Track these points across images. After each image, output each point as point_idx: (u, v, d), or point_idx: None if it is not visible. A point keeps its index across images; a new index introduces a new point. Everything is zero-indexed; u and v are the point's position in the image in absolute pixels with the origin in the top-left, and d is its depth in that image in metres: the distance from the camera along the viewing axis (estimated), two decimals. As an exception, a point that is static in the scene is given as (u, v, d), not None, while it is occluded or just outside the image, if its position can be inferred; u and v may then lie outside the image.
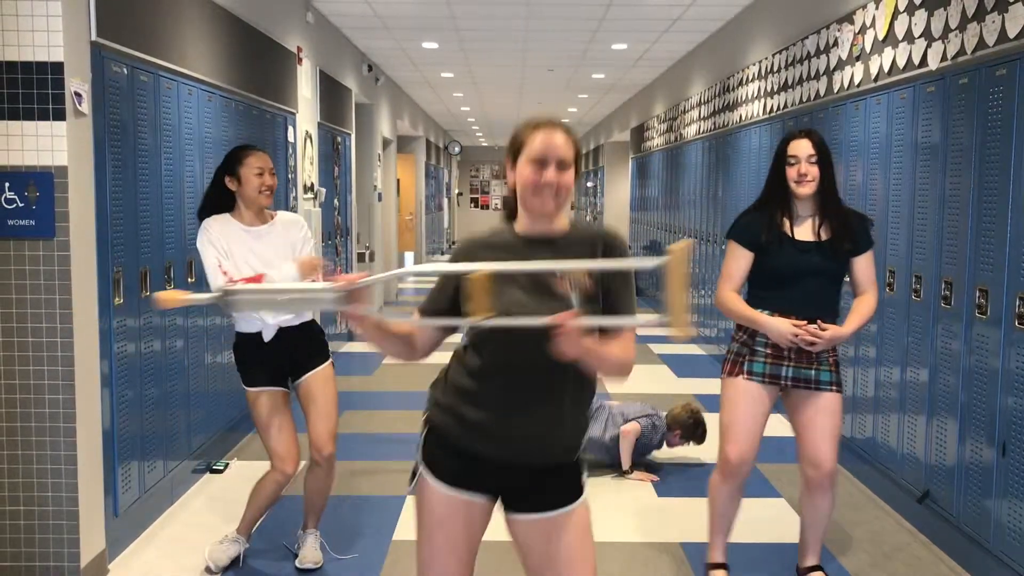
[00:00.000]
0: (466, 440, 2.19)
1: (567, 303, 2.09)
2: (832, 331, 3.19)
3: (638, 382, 7.44)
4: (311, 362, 3.66)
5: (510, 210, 2.27)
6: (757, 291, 3.33)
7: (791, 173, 3.24)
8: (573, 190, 2.22)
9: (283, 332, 3.58)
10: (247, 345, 3.61)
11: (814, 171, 3.22)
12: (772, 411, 3.37)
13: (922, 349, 4.18)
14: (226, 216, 3.58)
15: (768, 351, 3.28)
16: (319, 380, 3.65)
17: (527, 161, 2.16)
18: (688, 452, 5.35)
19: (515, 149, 2.20)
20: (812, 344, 3.19)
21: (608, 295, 2.15)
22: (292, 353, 3.62)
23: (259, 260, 3.52)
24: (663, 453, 5.32)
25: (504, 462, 2.19)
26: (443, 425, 2.23)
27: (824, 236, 3.26)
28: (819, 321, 3.20)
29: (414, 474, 2.31)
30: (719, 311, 3.43)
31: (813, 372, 3.27)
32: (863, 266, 3.31)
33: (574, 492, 2.25)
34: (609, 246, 2.19)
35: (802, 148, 3.23)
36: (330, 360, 3.73)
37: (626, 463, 4.97)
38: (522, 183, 2.15)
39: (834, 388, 3.29)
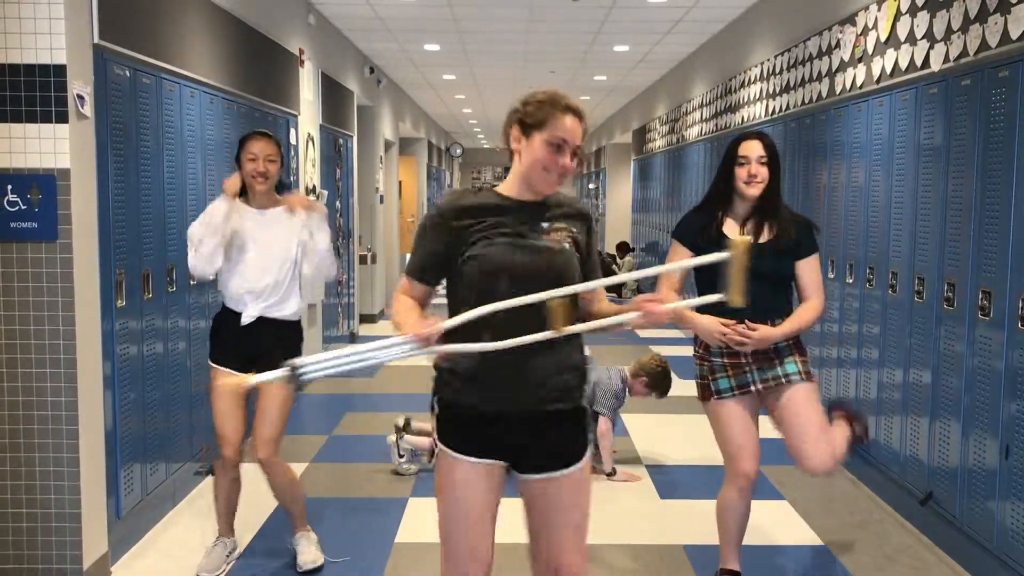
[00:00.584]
0: (468, 398, 2.28)
1: (563, 252, 2.28)
2: (762, 331, 3.15)
3: (640, 384, 7.42)
4: (274, 363, 3.63)
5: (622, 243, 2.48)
6: (701, 292, 3.32)
7: (741, 173, 3.23)
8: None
9: (261, 323, 3.59)
10: (226, 321, 3.64)
11: (764, 172, 3.22)
12: (758, 416, 3.35)
13: (925, 351, 4.18)
14: (235, 200, 3.60)
15: (726, 361, 3.25)
16: (270, 387, 3.64)
17: (545, 141, 2.25)
18: (691, 453, 5.35)
19: (534, 121, 2.26)
20: (741, 344, 3.16)
21: (585, 253, 2.37)
22: (264, 347, 3.59)
23: (259, 244, 3.56)
24: (671, 455, 5.32)
25: (506, 413, 2.27)
26: (447, 394, 2.32)
27: (763, 238, 3.24)
28: (747, 321, 3.16)
29: (432, 453, 2.39)
30: None
31: (779, 369, 3.24)
32: (806, 271, 3.28)
33: (577, 451, 2.35)
34: (588, 220, 2.41)
35: (753, 149, 3.23)
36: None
37: (608, 465, 4.96)
38: (533, 159, 2.26)
39: (804, 376, 3.25)
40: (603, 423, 4.95)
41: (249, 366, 3.62)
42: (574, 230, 2.35)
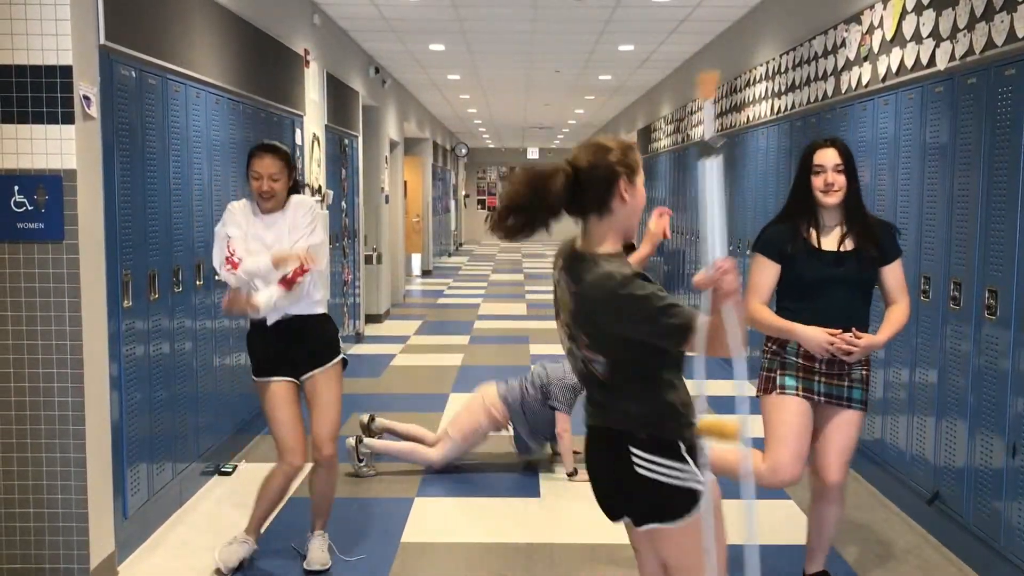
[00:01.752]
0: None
1: (585, 351, 2.25)
2: (867, 340, 3.16)
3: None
4: (318, 360, 3.67)
5: (627, 243, 2.36)
6: (785, 303, 3.29)
7: (817, 183, 3.21)
8: None
9: (292, 322, 3.60)
10: (256, 332, 3.65)
11: (841, 180, 3.19)
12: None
13: (931, 350, 4.17)
14: (245, 201, 3.66)
15: (799, 362, 3.23)
16: (323, 379, 3.66)
17: (641, 182, 2.29)
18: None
19: (631, 167, 2.28)
20: (848, 353, 3.15)
21: (632, 338, 2.17)
22: (301, 346, 3.62)
23: (262, 245, 3.57)
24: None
25: None
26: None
27: (851, 246, 3.23)
28: (854, 330, 3.16)
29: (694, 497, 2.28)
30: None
31: (845, 390, 3.24)
32: (893, 275, 3.27)
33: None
34: (612, 301, 2.18)
35: (828, 157, 3.20)
36: (339, 358, 3.73)
37: (568, 465, 4.95)
38: (640, 204, 2.29)
39: (862, 407, 3.26)
40: (561, 420, 4.91)
41: (294, 369, 3.64)
42: (586, 339, 2.25)
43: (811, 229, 3.26)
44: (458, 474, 5.04)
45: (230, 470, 5.01)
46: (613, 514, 2.36)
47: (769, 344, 3.32)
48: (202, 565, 3.79)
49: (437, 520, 4.37)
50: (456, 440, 4.96)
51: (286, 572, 3.75)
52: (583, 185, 2.22)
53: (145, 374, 4.04)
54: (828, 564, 3.65)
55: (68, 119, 3.36)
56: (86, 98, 3.44)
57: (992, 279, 3.65)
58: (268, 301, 3.48)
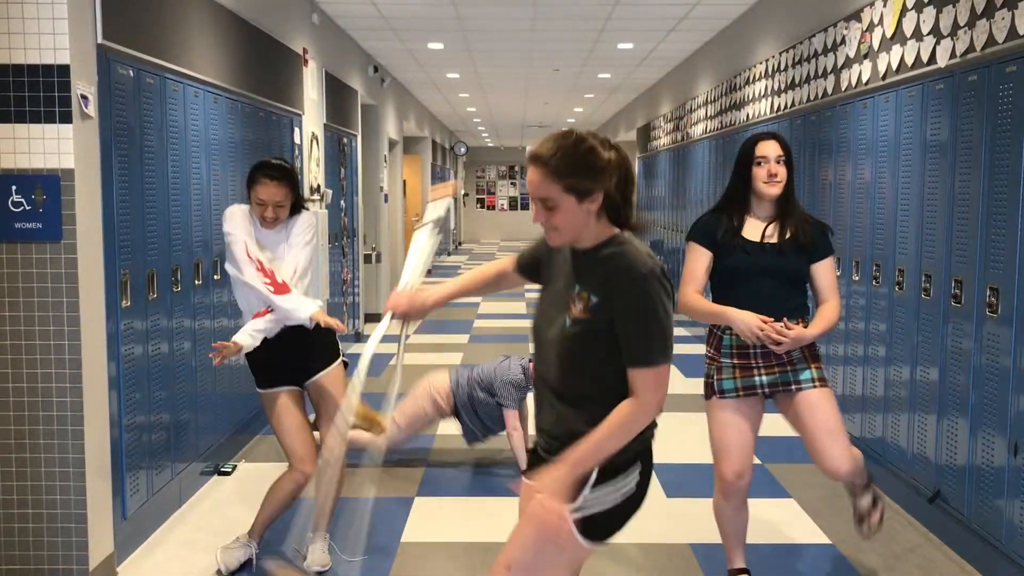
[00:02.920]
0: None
1: (563, 323, 2.15)
2: (797, 331, 3.15)
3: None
4: (320, 363, 3.67)
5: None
6: (718, 293, 3.32)
7: (760, 173, 3.23)
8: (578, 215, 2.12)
9: (291, 331, 3.59)
10: (259, 347, 3.61)
11: (783, 171, 3.23)
12: (761, 419, 3.33)
13: (932, 348, 4.16)
14: (246, 208, 3.63)
15: (734, 362, 3.24)
16: (328, 382, 3.66)
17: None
18: (697, 452, 5.33)
19: None
20: (777, 343, 3.14)
21: (616, 335, 2.10)
22: (302, 352, 3.62)
23: (263, 257, 3.57)
24: (678, 453, 5.31)
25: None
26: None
27: (777, 238, 3.25)
28: (784, 320, 3.16)
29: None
30: (679, 309, 3.38)
31: (789, 374, 3.23)
32: (823, 273, 3.28)
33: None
34: (624, 285, 2.08)
35: (771, 149, 3.23)
36: (340, 360, 3.74)
37: (523, 462, 4.89)
38: None
39: (817, 384, 3.23)
40: (510, 417, 4.88)
41: (296, 376, 3.63)
42: (591, 301, 2.10)
43: (743, 219, 3.28)
44: (458, 474, 5.03)
45: (230, 470, 5.00)
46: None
47: (708, 350, 3.34)
48: (202, 565, 3.78)
49: (437, 520, 4.36)
50: (400, 426, 4.98)
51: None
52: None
53: (144, 374, 4.03)
54: (830, 563, 3.65)
55: (66, 118, 3.35)
56: (84, 97, 3.43)
57: (993, 277, 3.64)
58: (248, 333, 3.47)
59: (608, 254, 2.13)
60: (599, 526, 2.18)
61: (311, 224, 3.68)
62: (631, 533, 3.89)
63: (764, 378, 3.22)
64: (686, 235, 3.40)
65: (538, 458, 2.30)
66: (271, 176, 3.53)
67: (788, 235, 3.25)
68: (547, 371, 2.23)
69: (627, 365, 2.09)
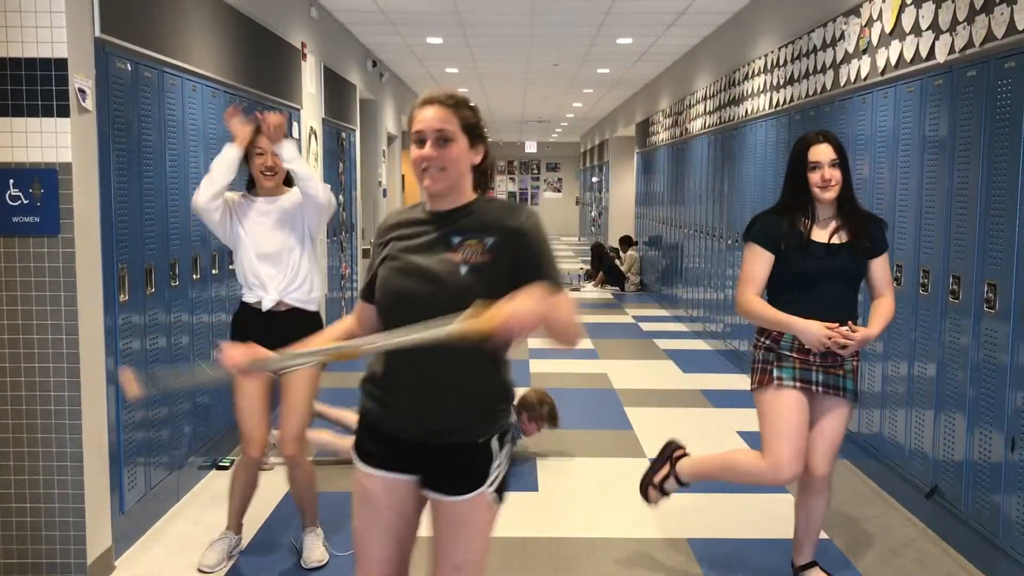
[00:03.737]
0: (379, 420, 2.22)
1: (457, 272, 2.10)
2: (862, 332, 3.16)
3: (644, 378, 7.43)
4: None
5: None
6: (780, 296, 3.27)
7: (814, 178, 3.20)
8: (462, 163, 2.16)
9: (282, 316, 3.59)
10: (247, 317, 3.64)
11: (837, 175, 3.20)
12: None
13: (930, 344, 4.16)
14: (237, 194, 3.66)
15: (795, 355, 3.23)
16: (298, 378, 3.63)
17: (412, 140, 2.18)
18: (695, 447, 5.33)
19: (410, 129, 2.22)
20: (844, 347, 3.15)
21: (518, 270, 2.10)
22: (286, 341, 3.59)
23: (267, 223, 3.60)
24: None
25: (409, 437, 2.19)
26: (365, 410, 2.26)
27: (844, 238, 3.23)
28: (849, 323, 3.17)
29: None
30: (738, 311, 3.37)
31: (840, 379, 3.24)
32: (880, 268, 3.28)
33: (473, 481, 2.20)
34: (516, 233, 2.12)
35: (823, 153, 3.20)
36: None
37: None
38: (412, 163, 2.19)
39: (853, 398, 3.28)
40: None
41: None
42: (487, 243, 2.12)
43: (807, 222, 3.26)
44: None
45: (227, 464, 5.00)
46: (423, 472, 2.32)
47: (762, 339, 3.31)
48: (199, 560, 3.78)
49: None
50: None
51: (283, 567, 3.74)
52: None
53: (142, 368, 4.03)
54: (826, 558, 3.65)
55: (63, 112, 3.35)
56: (81, 91, 3.42)
57: (991, 272, 3.64)
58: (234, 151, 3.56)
59: (484, 204, 2.19)
60: (504, 487, 2.28)
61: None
62: (628, 527, 3.89)
63: (820, 375, 3.22)
64: (743, 234, 3.37)
65: (400, 444, 2.21)
66: (260, 114, 3.63)
67: (851, 236, 3.23)
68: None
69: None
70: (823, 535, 4.11)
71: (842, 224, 3.25)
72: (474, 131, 2.18)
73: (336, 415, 5.24)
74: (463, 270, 2.10)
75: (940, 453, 4.07)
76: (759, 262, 3.26)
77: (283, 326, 3.58)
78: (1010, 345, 3.49)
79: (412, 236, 2.20)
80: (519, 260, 2.12)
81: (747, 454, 3.38)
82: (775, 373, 3.24)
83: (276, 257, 3.59)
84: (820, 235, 3.25)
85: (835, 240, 3.24)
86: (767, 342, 3.29)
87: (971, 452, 3.79)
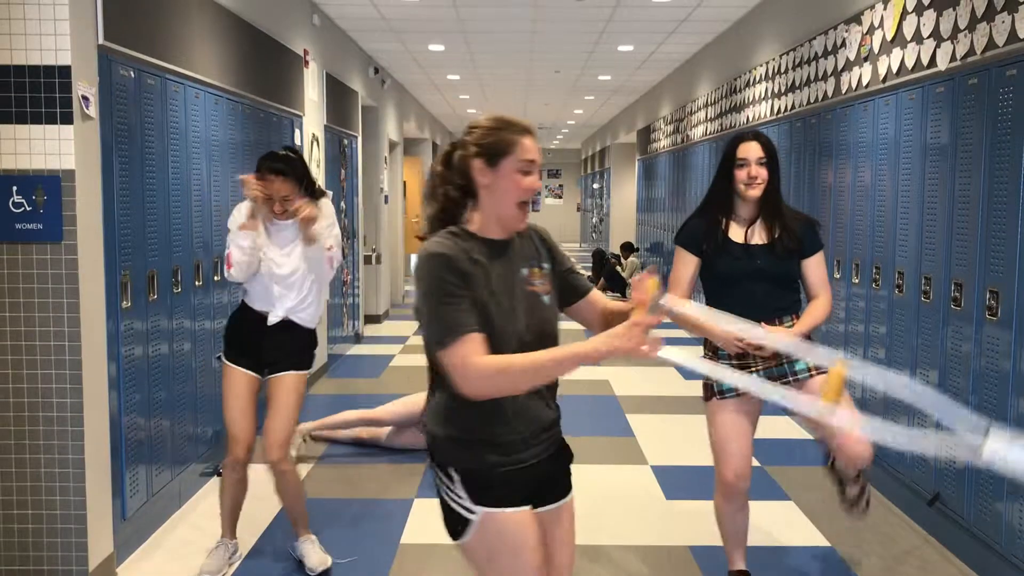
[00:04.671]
0: (508, 460, 2.14)
1: (545, 304, 2.16)
2: (779, 333, 3.13)
3: (646, 385, 7.43)
4: (289, 363, 3.66)
5: (449, 214, 2.15)
6: (709, 297, 3.31)
7: (741, 175, 3.21)
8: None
9: (282, 326, 3.62)
10: (247, 320, 3.64)
11: (763, 173, 3.20)
12: (758, 417, 3.33)
13: (932, 351, 4.16)
14: (270, 219, 3.64)
15: (733, 363, 3.23)
16: (284, 385, 3.64)
17: (517, 168, 2.08)
18: (697, 454, 5.33)
19: (497, 150, 2.08)
20: (759, 348, 3.14)
21: (561, 277, 2.24)
22: (279, 348, 3.64)
23: (271, 256, 3.60)
24: (677, 455, 5.31)
25: (538, 458, 2.20)
26: (490, 464, 2.13)
27: (764, 239, 3.24)
28: (763, 324, 3.14)
29: (463, 522, 2.17)
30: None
31: (786, 366, 3.22)
32: (813, 268, 3.27)
33: (569, 478, 2.35)
34: (547, 239, 2.27)
35: (752, 150, 3.21)
36: (305, 372, 3.73)
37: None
38: (510, 189, 2.08)
39: (813, 372, 3.22)
40: None
41: (263, 367, 3.66)
42: (544, 266, 2.21)
43: (728, 222, 3.27)
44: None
45: (229, 471, 4.99)
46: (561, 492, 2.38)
47: (705, 352, 3.33)
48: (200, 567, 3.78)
49: (437, 521, 4.35)
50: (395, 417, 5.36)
51: (285, 574, 3.74)
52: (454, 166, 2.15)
53: (144, 375, 4.03)
54: (828, 566, 3.64)
55: (67, 119, 3.35)
56: (85, 98, 3.43)
57: (993, 280, 3.64)
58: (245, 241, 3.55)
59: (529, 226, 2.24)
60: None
61: (326, 212, 3.69)
62: (630, 535, 3.89)
63: (761, 373, 3.22)
64: (674, 238, 3.40)
65: (534, 475, 2.20)
66: (275, 170, 3.54)
67: (776, 235, 3.23)
68: None
69: (587, 292, 2.29)
70: (825, 543, 4.10)
71: (763, 224, 3.25)
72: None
73: (332, 422, 5.34)
74: (546, 300, 2.18)
75: (942, 460, 4.06)
76: (683, 265, 3.29)
77: (282, 337, 3.63)
78: (1012, 352, 3.49)
79: (493, 272, 2.09)
80: (558, 265, 2.25)
81: (714, 500, 3.42)
82: (715, 387, 3.27)
83: (289, 279, 3.63)
84: (738, 235, 3.25)
85: (754, 240, 3.23)
86: (708, 353, 3.32)
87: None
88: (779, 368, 3.23)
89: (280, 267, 3.62)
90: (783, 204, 3.30)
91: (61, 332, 3.42)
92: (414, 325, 10.63)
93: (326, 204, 3.72)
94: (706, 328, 3.18)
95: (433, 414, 2.18)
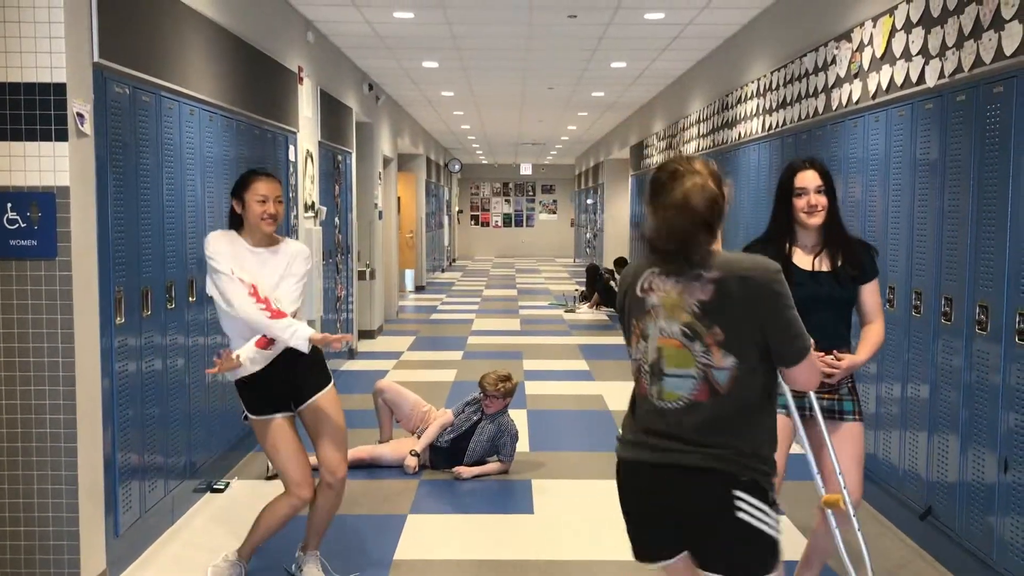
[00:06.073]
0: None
1: (709, 354, 2.16)
2: (848, 360, 3.19)
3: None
4: (314, 386, 3.62)
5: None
6: None
7: (800, 204, 3.22)
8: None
9: (282, 355, 3.53)
10: (246, 379, 3.58)
11: (823, 201, 3.22)
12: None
13: (923, 365, 4.18)
14: (232, 233, 3.55)
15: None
16: (325, 404, 3.63)
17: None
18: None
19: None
20: (830, 375, 3.17)
21: (765, 339, 2.20)
22: (293, 378, 3.58)
23: (262, 284, 3.47)
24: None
25: None
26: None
27: (829, 266, 3.25)
28: (834, 352, 3.19)
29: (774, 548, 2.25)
30: None
31: (836, 403, 3.25)
32: (870, 294, 3.29)
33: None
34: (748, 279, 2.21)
35: (809, 179, 3.22)
36: (332, 383, 3.71)
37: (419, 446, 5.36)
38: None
39: (856, 417, 3.27)
40: (498, 467, 5.34)
41: (289, 401, 3.60)
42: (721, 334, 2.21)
43: (793, 249, 3.28)
44: (451, 491, 5.03)
45: (222, 487, 4.99)
46: (702, 564, 2.25)
47: None
48: (194, 583, 3.77)
49: (430, 537, 4.36)
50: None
51: (279, 590, 3.74)
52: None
53: (137, 391, 4.03)
54: (821, 580, 3.64)
55: (62, 136, 3.37)
56: (80, 115, 3.45)
57: (983, 294, 3.67)
58: (248, 356, 3.41)
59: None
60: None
61: (305, 257, 3.62)
62: (625, 550, 3.89)
63: (813, 400, 3.18)
64: None
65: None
66: (265, 173, 3.58)
67: (840, 262, 3.24)
68: None
69: None
70: (818, 557, 4.10)
71: (827, 251, 3.26)
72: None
73: (368, 453, 5.41)
74: (710, 357, 2.22)
75: (934, 474, 4.08)
76: None
77: (284, 365, 3.53)
78: (1002, 366, 3.51)
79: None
80: (768, 331, 2.25)
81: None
82: None
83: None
84: (804, 262, 3.26)
85: (819, 267, 3.25)
86: None
87: (964, 473, 3.80)
88: (830, 403, 3.24)
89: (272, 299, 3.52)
90: (844, 229, 3.31)
91: (55, 348, 3.42)
92: (408, 340, 10.64)
93: (301, 251, 3.63)
94: None
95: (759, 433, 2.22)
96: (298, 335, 3.39)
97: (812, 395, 3.23)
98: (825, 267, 3.25)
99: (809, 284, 3.21)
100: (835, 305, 3.24)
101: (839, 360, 3.18)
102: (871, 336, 3.27)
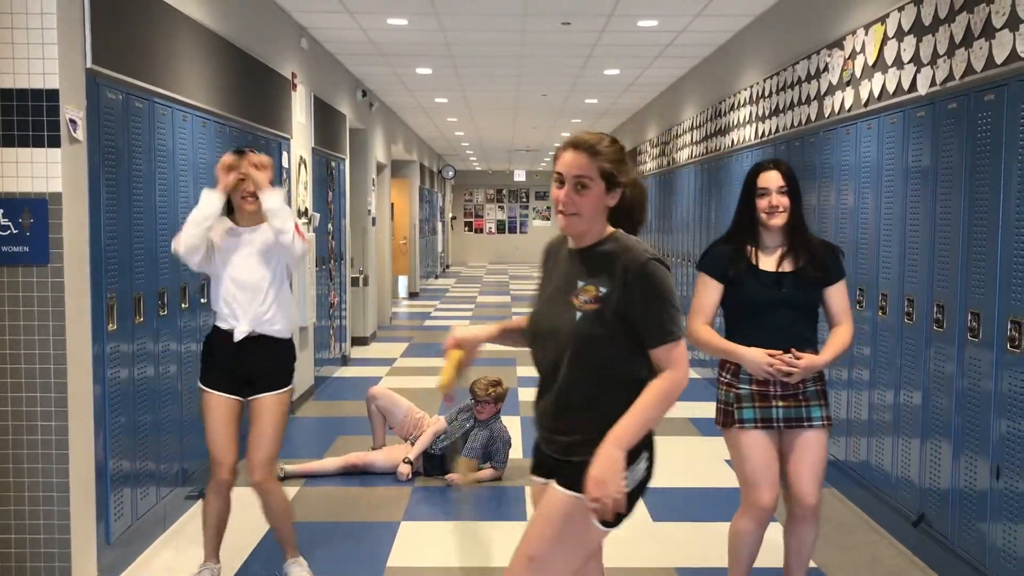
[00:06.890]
0: None
1: (572, 317, 2.30)
2: (807, 360, 3.15)
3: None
4: (268, 384, 3.65)
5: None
6: (732, 325, 3.30)
7: (762, 204, 3.23)
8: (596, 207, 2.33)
9: (252, 342, 3.58)
10: (218, 341, 3.63)
11: (785, 202, 3.22)
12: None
13: (915, 372, 4.19)
14: (223, 218, 3.64)
15: (754, 390, 3.21)
16: (268, 405, 3.63)
17: (553, 178, 2.37)
18: (683, 476, 5.34)
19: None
20: (788, 375, 3.15)
21: (624, 317, 2.29)
22: (256, 367, 3.61)
23: (243, 257, 3.60)
24: (664, 477, 5.31)
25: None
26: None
27: (793, 266, 3.24)
28: (792, 350, 3.16)
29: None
30: (689, 341, 3.38)
31: (804, 410, 3.22)
32: (836, 296, 3.28)
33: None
34: (632, 274, 2.29)
35: (772, 180, 3.23)
36: (288, 388, 3.71)
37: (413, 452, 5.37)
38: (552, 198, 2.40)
39: (824, 422, 3.25)
40: (492, 474, 5.33)
41: (242, 387, 3.63)
42: (602, 290, 2.30)
43: (754, 250, 3.28)
44: (444, 498, 5.02)
45: (215, 494, 4.96)
46: (551, 475, 2.39)
47: (723, 375, 3.31)
48: (186, 591, 3.76)
49: (423, 544, 4.35)
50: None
51: (271, 597, 3.73)
52: None
53: (129, 398, 4.02)
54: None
55: (54, 142, 3.37)
56: (72, 121, 3.45)
57: (975, 301, 3.68)
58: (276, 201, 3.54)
59: (610, 249, 2.34)
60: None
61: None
62: (616, 557, 3.89)
63: (780, 411, 3.19)
64: (697, 264, 3.40)
65: (542, 455, 2.46)
66: (251, 150, 3.65)
67: (803, 263, 3.24)
68: (551, 368, 2.36)
69: (651, 347, 2.29)
70: (811, 564, 4.11)
71: (791, 252, 3.26)
72: (612, 178, 2.32)
73: (311, 469, 5.36)
74: (577, 316, 2.30)
75: (926, 481, 4.08)
76: (707, 292, 3.29)
77: (254, 352, 3.60)
78: (994, 373, 3.52)
79: (555, 270, 2.45)
80: (623, 308, 2.28)
81: (735, 524, 3.33)
82: (736, 416, 3.23)
83: (253, 288, 3.59)
84: (768, 263, 3.26)
85: (783, 268, 3.24)
86: (728, 377, 3.28)
87: (957, 480, 3.81)
88: (797, 410, 3.22)
89: (242, 276, 3.58)
90: (808, 231, 3.31)
91: (47, 355, 3.41)
92: (401, 347, 10.63)
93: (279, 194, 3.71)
94: (733, 350, 3.19)
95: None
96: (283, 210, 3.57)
97: (779, 406, 3.21)
98: (787, 268, 3.25)
99: (772, 286, 3.22)
100: (797, 306, 3.23)
101: (798, 359, 3.15)
102: (836, 338, 3.26)
